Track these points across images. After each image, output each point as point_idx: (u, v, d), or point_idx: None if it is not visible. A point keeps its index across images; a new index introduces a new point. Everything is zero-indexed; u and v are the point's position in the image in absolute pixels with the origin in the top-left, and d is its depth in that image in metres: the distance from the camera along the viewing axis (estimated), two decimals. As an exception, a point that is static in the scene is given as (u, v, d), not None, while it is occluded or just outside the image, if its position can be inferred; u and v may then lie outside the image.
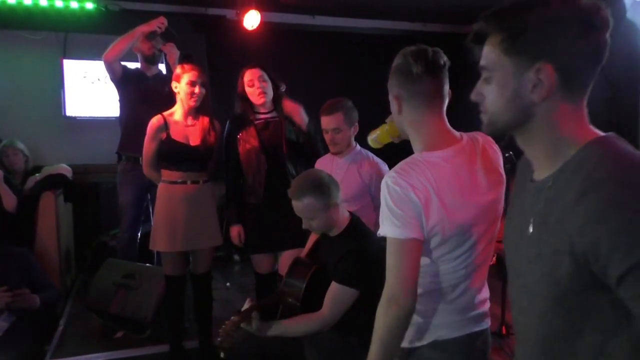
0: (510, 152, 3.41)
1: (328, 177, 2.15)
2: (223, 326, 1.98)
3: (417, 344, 1.54)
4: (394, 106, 1.51)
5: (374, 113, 3.09)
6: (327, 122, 2.71)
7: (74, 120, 5.11)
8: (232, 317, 1.99)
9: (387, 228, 1.37)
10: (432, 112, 1.50)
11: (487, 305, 1.61)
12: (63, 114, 5.03)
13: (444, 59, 1.54)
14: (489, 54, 1.02)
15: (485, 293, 1.59)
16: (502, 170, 1.55)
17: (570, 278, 0.93)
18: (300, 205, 2.08)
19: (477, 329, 1.57)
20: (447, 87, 1.55)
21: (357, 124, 2.77)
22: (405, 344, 1.51)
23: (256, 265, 3.15)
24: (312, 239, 2.45)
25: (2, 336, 2.79)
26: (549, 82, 0.95)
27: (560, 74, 0.95)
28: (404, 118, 1.51)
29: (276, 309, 2.22)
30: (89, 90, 5.06)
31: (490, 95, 1.02)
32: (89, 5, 4.88)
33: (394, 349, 1.43)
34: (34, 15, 4.80)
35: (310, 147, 3.05)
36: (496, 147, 1.56)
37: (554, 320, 1.00)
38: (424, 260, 1.43)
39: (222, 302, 4.00)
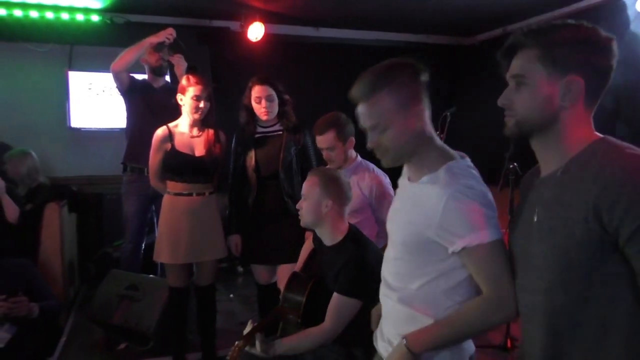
0: (515, 164, 3.41)
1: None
2: (230, 353, 1.96)
3: None
4: (409, 122, 1.42)
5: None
6: (320, 141, 2.74)
7: (78, 131, 5.14)
8: (237, 342, 1.98)
9: (482, 233, 1.31)
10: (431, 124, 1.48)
11: None
12: (68, 125, 5.06)
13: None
14: (525, 63, 1.20)
15: None
16: None
17: (579, 245, 1.10)
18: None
19: None
20: None
21: (352, 138, 2.75)
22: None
23: (255, 276, 3.19)
24: (305, 252, 2.43)
25: (4, 347, 2.78)
26: (578, 91, 1.17)
27: (587, 86, 1.16)
28: (419, 130, 1.43)
29: (276, 326, 2.20)
30: (94, 102, 5.09)
31: (521, 100, 1.21)
32: (95, 18, 4.92)
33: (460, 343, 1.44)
34: (40, 27, 4.84)
35: (307, 163, 3.08)
36: None
37: (560, 292, 1.15)
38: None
39: (225, 314, 3.98)
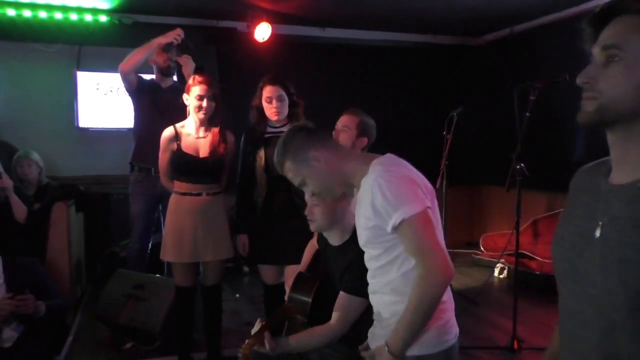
0: (521, 164, 3.40)
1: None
2: (241, 351, 1.98)
3: (427, 352, 1.53)
4: (317, 166, 1.64)
5: (384, 123, 3.11)
6: (341, 119, 2.75)
7: (86, 131, 5.17)
8: (247, 341, 1.99)
9: (402, 211, 1.44)
10: (343, 147, 1.83)
11: None
12: (76, 125, 5.09)
13: None
14: (622, 33, 0.93)
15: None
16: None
17: None
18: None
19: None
20: None
21: (367, 138, 2.73)
22: (414, 351, 1.52)
23: (263, 276, 3.19)
24: (308, 252, 2.42)
25: (11, 346, 2.79)
26: None
27: None
28: (331, 164, 1.65)
29: (282, 326, 2.21)
30: (102, 102, 5.12)
31: (612, 78, 0.93)
32: (103, 18, 4.95)
33: (427, 322, 1.49)
34: (48, 27, 4.88)
35: None
36: None
37: (621, 338, 0.91)
38: None
39: (231, 314, 3.99)
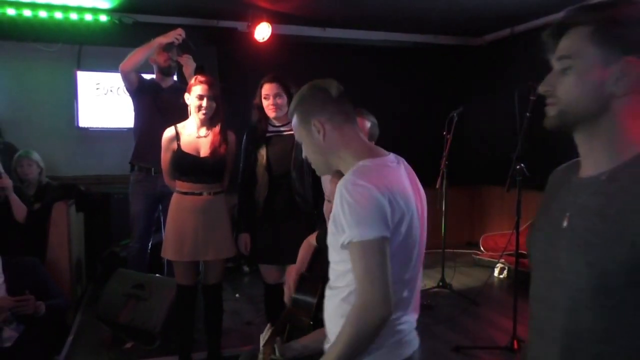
0: (522, 164, 3.40)
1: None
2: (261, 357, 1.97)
3: None
4: (315, 136, 1.52)
5: (384, 123, 3.11)
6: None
7: (86, 131, 5.17)
8: (262, 348, 1.98)
9: (353, 232, 1.32)
10: (353, 129, 1.55)
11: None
12: (76, 125, 5.09)
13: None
14: (574, 44, 1.02)
15: (415, 314, 1.54)
16: (422, 192, 1.55)
17: (618, 270, 0.94)
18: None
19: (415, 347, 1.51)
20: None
21: (374, 142, 2.77)
22: None
23: (264, 275, 3.20)
24: (305, 251, 2.40)
25: (12, 346, 2.80)
26: (635, 77, 0.98)
27: None
28: (329, 141, 1.51)
29: (284, 328, 2.20)
30: (102, 101, 5.12)
31: (567, 85, 1.03)
32: (103, 18, 4.95)
33: (359, 355, 1.37)
34: (49, 27, 4.88)
35: None
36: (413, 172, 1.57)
37: (587, 316, 0.99)
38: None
39: (231, 313, 3.99)
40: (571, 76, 1.02)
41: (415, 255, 1.47)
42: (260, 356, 1.96)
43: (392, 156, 1.52)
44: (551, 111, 1.07)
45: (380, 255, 1.32)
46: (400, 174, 1.47)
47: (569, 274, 1.02)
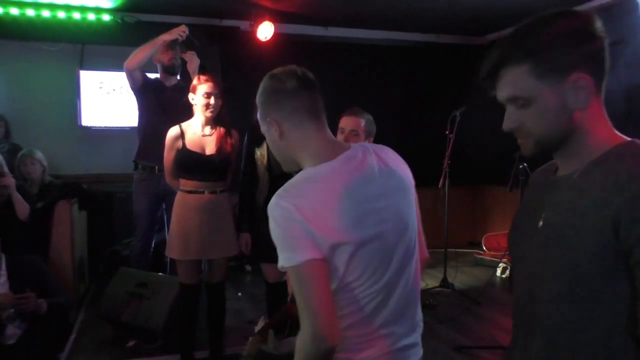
0: (524, 164, 3.40)
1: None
2: (247, 348, 1.97)
3: None
4: (272, 134, 1.38)
5: (387, 122, 3.11)
6: (347, 121, 2.68)
7: (89, 130, 5.19)
8: (251, 338, 1.98)
9: (282, 258, 1.24)
10: (315, 126, 1.36)
11: (419, 331, 1.41)
12: (79, 124, 5.10)
13: (312, 75, 1.42)
14: (518, 84, 1.05)
15: (418, 315, 1.41)
16: (406, 177, 1.41)
17: (590, 260, 0.98)
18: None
19: None
20: (322, 103, 1.41)
21: (372, 138, 2.77)
22: None
23: (265, 274, 3.20)
24: None
25: (14, 344, 2.81)
26: (587, 88, 1.02)
27: (593, 78, 1.02)
28: (287, 141, 1.37)
29: (284, 324, 2.21)
30: (105, 100, 5.13)
31: (533, 118, 1.06)
32: (106, 17, 4.96)
33: None
34: (52, 27, 4.90)
35: None
36: (398, 156, 1.43)
37: (565, 306, 1.03)
38: (335, 285, 1.25)
39: (233, 312, 3.99)
40: (532, 110, 1.05)
41: (401, 252, 1.32)
42: (249, 345, 1.97)
43: (353, 150, 1.35)
44: (527, 145, 1.10)
45: (313, 280, 1.20)
46: (362, 169, 1.31)
47: (545, 267, 1.06)
